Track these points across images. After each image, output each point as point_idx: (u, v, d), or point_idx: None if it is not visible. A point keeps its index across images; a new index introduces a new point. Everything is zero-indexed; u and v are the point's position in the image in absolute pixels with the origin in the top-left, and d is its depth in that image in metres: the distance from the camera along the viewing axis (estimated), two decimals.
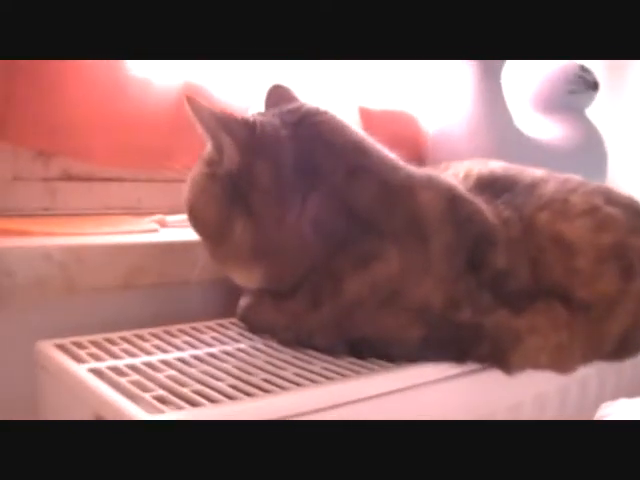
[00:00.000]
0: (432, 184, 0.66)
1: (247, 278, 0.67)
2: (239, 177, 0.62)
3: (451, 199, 0.66)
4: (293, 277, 0.63)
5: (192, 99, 0.61)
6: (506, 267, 0.66)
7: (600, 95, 1.29)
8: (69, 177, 0.88)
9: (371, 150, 0.65)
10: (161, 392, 0.53)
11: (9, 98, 0.77)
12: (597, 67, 1.30)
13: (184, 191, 0.67)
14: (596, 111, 1.31)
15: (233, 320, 0.73)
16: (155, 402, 0.51)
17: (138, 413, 0.49)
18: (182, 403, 0.51)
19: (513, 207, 0.69)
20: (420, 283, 0.62)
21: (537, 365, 0.68)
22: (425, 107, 1.22)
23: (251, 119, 0.63)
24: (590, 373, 0.78)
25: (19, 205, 0.84)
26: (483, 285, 0.64)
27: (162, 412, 0.49)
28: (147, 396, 0.52)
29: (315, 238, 0.62)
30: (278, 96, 0.70)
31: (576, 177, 0.77)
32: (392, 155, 0.67)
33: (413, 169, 0.67)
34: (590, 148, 1.27)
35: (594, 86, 1.27)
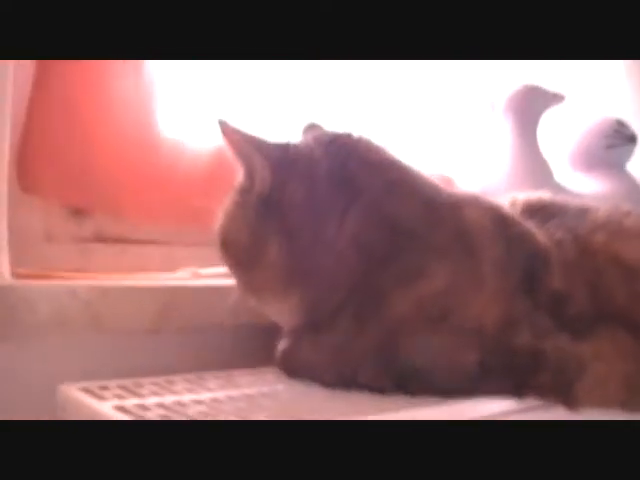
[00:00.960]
0: (478, 202, 0.63)
1: (283, 308, 0.63)
2: (271, 198, 0.60)
3: (499, 218, 0.62)
4: (332, 301, 0.59)
5: (224, 123, 0.60)
6: (563, 289, 0.60)
7: None
8: (103, 238, 0.87)
9: (410, 169, 0.63)
10: None
11: (42, 152, 0.77)
12: (635, 121, 1.27)
13: (216, 225, 0.64)
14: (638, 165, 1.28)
15: (273, 369, 0.68)
16: None
17: None
18: None
19: (565, 229, 0.65)
20: (471, 301, 0.57)
21: (605, 398, 0.61)
22: (461, 168, 1.20)
23: (284, 141, 0.62)
24: None
25: (51, 266, 0.82)
26: (540, 307, 0.59)
27: None
28: None
29: (355, 255, 0.58)
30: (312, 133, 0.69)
31: (626, 206, 0.73)
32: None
33: (455, 190, 0.63)
34: (632, 203, 1.23)
35: (632, 139, 1.24)
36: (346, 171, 0.60)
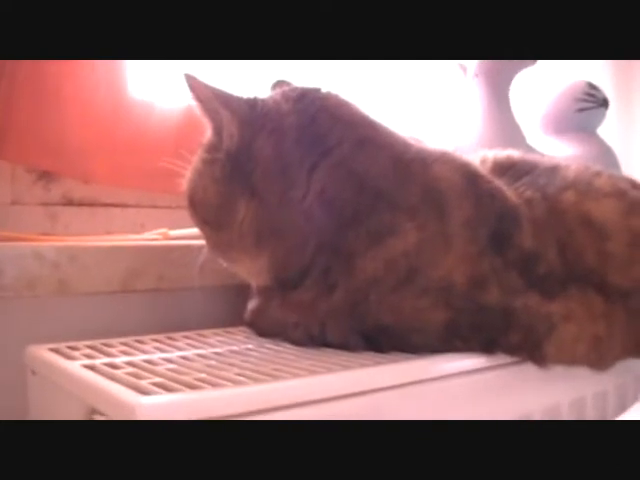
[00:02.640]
0: (447, 159, 0.62)
1: (253, 268, 0.62)
2: (239, 155, 0.59)
3: (468, 174, 0.61)
4: (301, 260, 0.59)
5: (191, 77, 0.59)
6: (533, 248, 0.61)
7: (611, 113, 1.27)
8: (70, 202, 0.86)
9: (379, 125, 0.62)
10: (159, 379, 0.48)
11: (8, 115, 0.75)
12: (606, 85, 1.28)
13: (184, 183, 0.64)
14: (608, 130, 1.29)
15: (242, 328, 0.68)
16: (153, 387, 0.46)
17: (133, 397, 0.44)
18: (182, 388, 0.46)
19: (535, 188, 0.65)
20: (440, 260, 0.57)
21: (574, 358, 0.62)
22: (432, 131, 1.20)
23: (252, 97, 0.61)
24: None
25: (18, 230, 0.81)
26: (510, 266, 0.59)
27: (160, 394, 0.45)
28: (144, 382, 0.47)
29: (323, 214, 0.57)
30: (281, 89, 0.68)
31: (596, 166, 0.74)
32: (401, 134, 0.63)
33: (425, 146, 0.63)
34: (603, 166, 1.24)
35: (604, 103, 1.24)
36: (315, 127, 0.59)
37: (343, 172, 0.58)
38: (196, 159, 0.63)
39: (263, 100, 0.61)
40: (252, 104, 0.60)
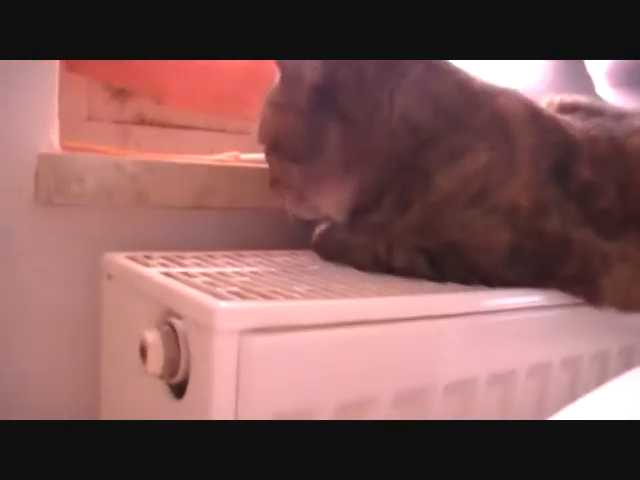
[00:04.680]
0: (510, 93, 0.64)
1: (337, 199, 0.64)
2: (324, 85, 0.60)
3: (531, 107, 0.63)
4: (382, 182, 0.61)
5: None
6: (593, 181, 0.62)
7: None
8: (142, 121, 0.88)
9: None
10: (235, 288, 0.50)
11: None
12: None
13: (258, 129, 0.65)
14: None
15: (309, 251, 0.70)
16: (229, 294, 0.48)
17: (212, 301, 0.46)
18: (257, 297, 0.49)
19: (601, 129, 0.65)
20: (508, 182, 0.59)
21: (628, 300, 0.63)
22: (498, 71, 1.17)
23: None
24: None
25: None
26: (570, 198, 0.61)
27: (237, 300, 0.47)
28: (220, 290, 0.49)
29: (406, 133, 0.59)
30: None
31: None
32: None
33: (488, 81, 0.64)
34: None
35: None
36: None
37: (420, 92, 0.60)
38: (266, 108, 0.64)
39: None
40: None
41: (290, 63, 0.62)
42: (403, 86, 0.60)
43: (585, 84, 1.14)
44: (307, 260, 0.66)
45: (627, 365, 0.68)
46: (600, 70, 1.24)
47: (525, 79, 1.14)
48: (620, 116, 0.69)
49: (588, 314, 0.64)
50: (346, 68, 0.60)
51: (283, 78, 0.63)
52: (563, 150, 0.62)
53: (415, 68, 0.61)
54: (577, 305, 0.64)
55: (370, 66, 0.60)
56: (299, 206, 0.65)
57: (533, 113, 0.63)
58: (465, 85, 0.62)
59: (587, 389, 0.43)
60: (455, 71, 0.63)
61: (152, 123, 0.88)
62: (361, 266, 0.62)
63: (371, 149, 0.60)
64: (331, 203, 0.65)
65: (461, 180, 0.59)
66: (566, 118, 0.65)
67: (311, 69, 0.61)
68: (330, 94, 0.60)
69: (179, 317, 0.48)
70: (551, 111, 0.67)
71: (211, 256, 0.63)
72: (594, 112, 0.69)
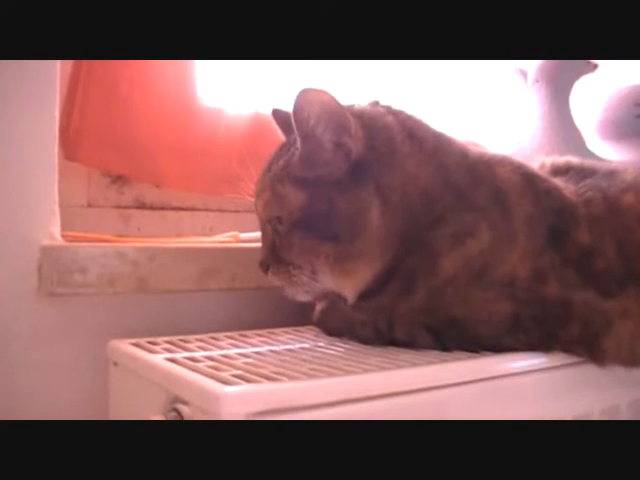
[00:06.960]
0: (506, 161, 0.65)
1: (363, 277, 0.61)
2: (366, 158, 0.60)
3: (526, 175, 0.64)
4: (394, 265, 0.60)
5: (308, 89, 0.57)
6: (590, 244, 0.63)
7: None
8: (142, 205, 0.89)
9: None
10: (239, 372, 0.51)
11: (84, 121, 0.79)
12: None
13: (264, 205, 0.64)
14: None
15: (310, 327, 0.70)
16: (234, 378, 0.49)
17: (217, 386, 0.46)
18: (261, 379, 0.49)
19: (596, 190, 0.66)
20: (506, 256, 0.60)
21: (632, 357, 0.63)
22: (490, 137, 1.20)
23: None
24: None
25: (93, 231, 0.85)
26: (568, 262, 0.62)
27: (241, 384, 0.47)
28: (225, 374, 0.49)
29: (421, 210, 0.60)
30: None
31: None
32: None
33: (482, 149, 0.66)
34: None
35: None
36: (407, 127, 0.63)
37: (434, 168, 0.61)
38: (282, 183, 0.61)
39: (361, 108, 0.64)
40: (360, 111, 0.63)
41: (312, 135, 0.59)
42: (422, 159, 0.61)
43: (575, 139, 1.17)
44: (310, 337, 0.67)
45: (638, 418, 0.68)
46: (590, 124, 1.27)
47: (516, 138, 1.17)
48: (611, 173, 0.70)
49: (595, 371, 0.64)
50: (378, 138, 0.61)
51: (306, 151, 0.60)
52: (560, 215, 0.63)
53: (428, 138, 0.62)
54: (583, 363, 0.64)
55: (399, 135, 0.61)
56: (304, 286, 0.63)
57: (528, 181, 0.64)
58: (467, 155, 0.63)
59: None
60: (454, 142, 0.64)
61: (152, 207, 0.90)
62: (364, 340, 0.63)
63: (397, 229, 0.60)
64: (351, 283, 0.62)
65: (465, 261, 0.59)
66: (559, 181, 0.67)
67: (354, 140, 0.59)
68: (370, 168, 0.60)
69: (185, 403, 0.49)
70: (545, 174, 0.68)
71: (214, 338, 0.64)
72: (586, 172, 0.70)
